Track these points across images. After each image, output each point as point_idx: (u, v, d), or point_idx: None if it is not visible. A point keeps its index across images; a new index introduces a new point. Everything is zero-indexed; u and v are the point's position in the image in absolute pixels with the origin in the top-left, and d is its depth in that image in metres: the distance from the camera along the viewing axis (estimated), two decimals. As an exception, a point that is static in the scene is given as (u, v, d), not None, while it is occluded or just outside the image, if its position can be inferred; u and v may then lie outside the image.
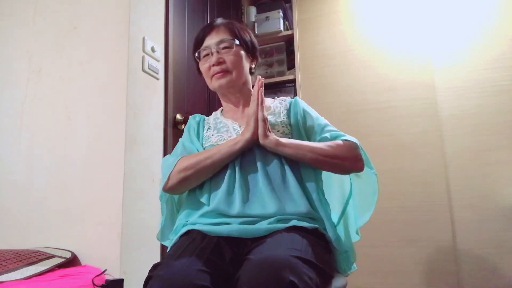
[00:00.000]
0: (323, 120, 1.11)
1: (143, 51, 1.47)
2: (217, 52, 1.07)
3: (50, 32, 1.54)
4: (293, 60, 2.45)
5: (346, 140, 1.03)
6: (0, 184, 1.48)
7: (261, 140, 0.96)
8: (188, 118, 1.67)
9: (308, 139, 1.06)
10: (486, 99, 2.00)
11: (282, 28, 2.53)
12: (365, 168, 1.03)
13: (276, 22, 2.51)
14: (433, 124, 2.05)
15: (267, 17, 2.54)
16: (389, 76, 2.18)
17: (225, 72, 1.07)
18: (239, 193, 0.93)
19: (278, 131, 1.04)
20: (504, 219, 1.87)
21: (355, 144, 1.03)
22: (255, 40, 1.16)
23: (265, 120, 0.96)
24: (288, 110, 1.11)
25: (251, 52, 1.14)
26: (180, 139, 1.14)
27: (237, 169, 0.97)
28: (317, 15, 2.41)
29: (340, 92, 2.26)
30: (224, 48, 1.08)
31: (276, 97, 1.20)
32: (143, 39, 1.47)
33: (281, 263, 0.69)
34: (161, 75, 1.58)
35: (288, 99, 1.17)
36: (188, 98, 1.79)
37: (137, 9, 1.46)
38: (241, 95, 1.13)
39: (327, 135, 1.05)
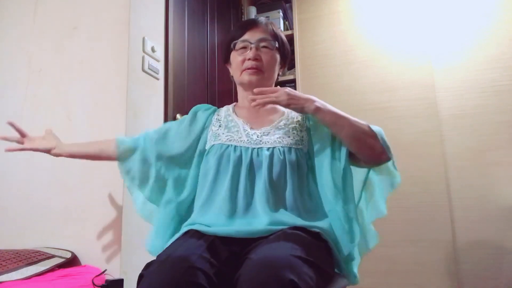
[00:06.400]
0: None
1: (143, 51, 1.47)
2: (256, 48, 1.07)
3: (50, 32, 1.54)
4: (293, 60, 2.44)
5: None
6: (0, 184, 1.48)
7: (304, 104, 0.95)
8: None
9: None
10: (486, 99, 2.00)
11: (282, 28, 2.53)
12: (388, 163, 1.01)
13: (276, 22, 2.51)
14: (433, 124, 2.05)
15: (267, 17, 2.52)
16: (389, 76, 2.18)
17: (259, 70, 1.07)
18: (241, 211, 0.93)
19: (295, 129, 1.04)
20: (504, 219, 1.87)
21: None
22: (289, 49, 1.17)
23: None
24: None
25: (284, 59, 1.15)
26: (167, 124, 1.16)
27: (242, 175, 0.97)
28: (317, 15, 2.41)
29: (340, 92, 2.26)
30: (264, 47, 1.08)
31: None
32: (143, 39, 1.47)
33: (281, 262, 0.69)
34: (161, 75, 1.58)
35: None
36: (188, 98, 1.79)
37: (137, 9, 1.46)
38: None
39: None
